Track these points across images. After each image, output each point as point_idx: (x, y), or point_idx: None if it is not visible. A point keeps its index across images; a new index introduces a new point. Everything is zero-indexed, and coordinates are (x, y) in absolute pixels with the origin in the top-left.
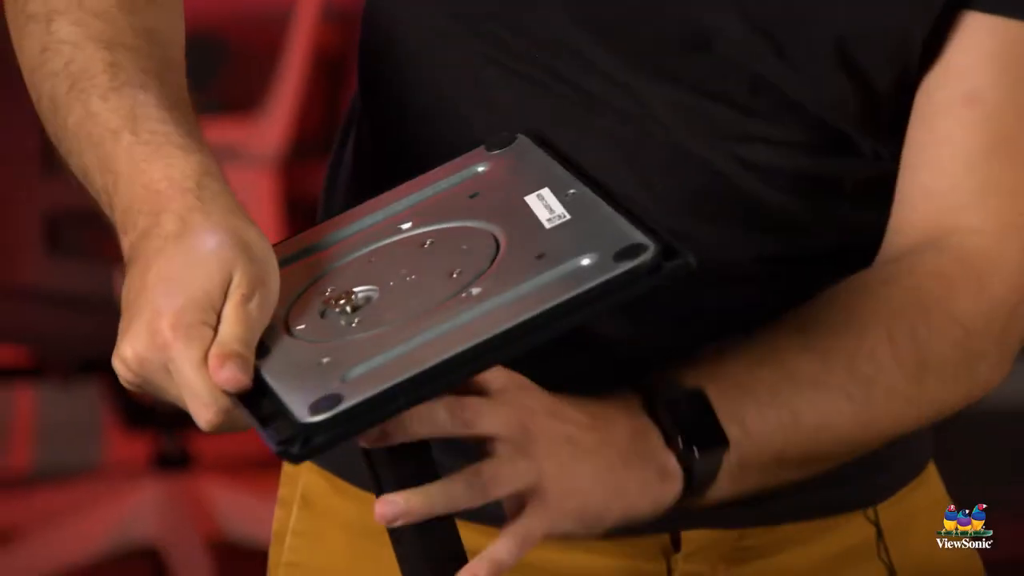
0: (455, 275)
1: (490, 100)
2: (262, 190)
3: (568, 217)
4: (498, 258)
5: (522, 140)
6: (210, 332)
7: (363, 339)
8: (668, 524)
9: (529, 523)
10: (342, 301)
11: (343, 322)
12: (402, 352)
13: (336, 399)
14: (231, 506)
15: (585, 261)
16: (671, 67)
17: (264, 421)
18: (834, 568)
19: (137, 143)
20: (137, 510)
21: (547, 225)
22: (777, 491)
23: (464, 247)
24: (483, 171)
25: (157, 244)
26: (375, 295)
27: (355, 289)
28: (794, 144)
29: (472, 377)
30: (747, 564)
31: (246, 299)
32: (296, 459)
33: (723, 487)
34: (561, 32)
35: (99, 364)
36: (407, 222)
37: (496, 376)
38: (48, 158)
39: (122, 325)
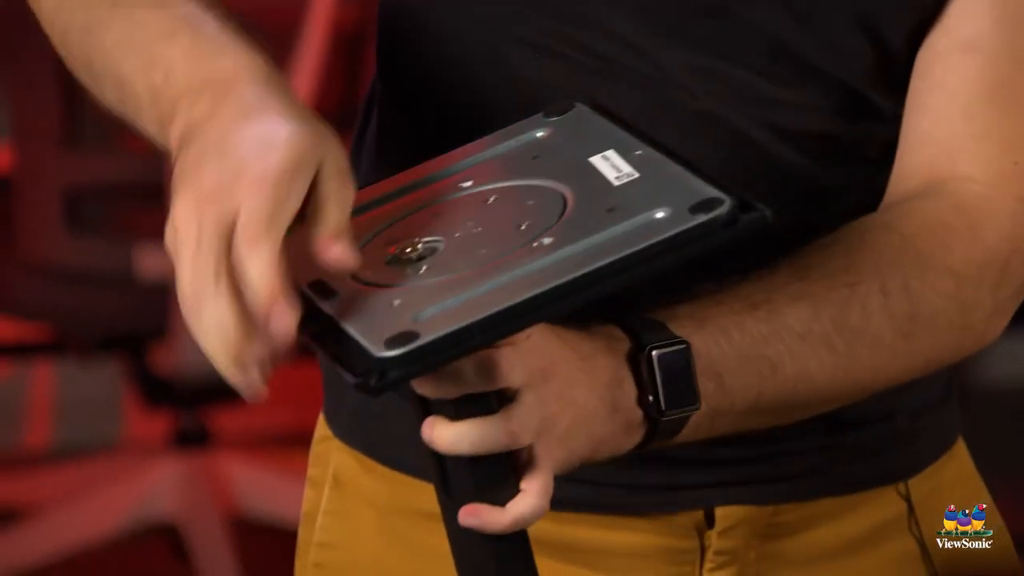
0: (523, 227)
1: (512, 73)
2: None
3: (637, 175)
4: (567, 212)
5: (580, 108)
6: (297, 202)
7: (433, 283)
8: (702, 501)
9: (544, 469)
10: (408, 250)
11: (410, 270)
12: (475, 295)
13: (412, 335)
14: (250, 483)
15: (659, 214)
16: (692, 33)
17: (337, 357)
18: (866, 543)
19: (200, 38)
20: (156, 488)
21: (616, 183)
22: (810, 467)
23: (530, 203)
24: (542, 136)
25: (235, 113)
26: (441, 246)
27: (421, 239)
28: (818, 108)
29: (546, 320)
30: (780, 540)
31: (342, 184)
32: (373, 392)
33: (688, 436)
34: (582, 2)
35: (119, 341)
36: (467, 181)
37: None
38: (67, 135)
39: (177, 184)
